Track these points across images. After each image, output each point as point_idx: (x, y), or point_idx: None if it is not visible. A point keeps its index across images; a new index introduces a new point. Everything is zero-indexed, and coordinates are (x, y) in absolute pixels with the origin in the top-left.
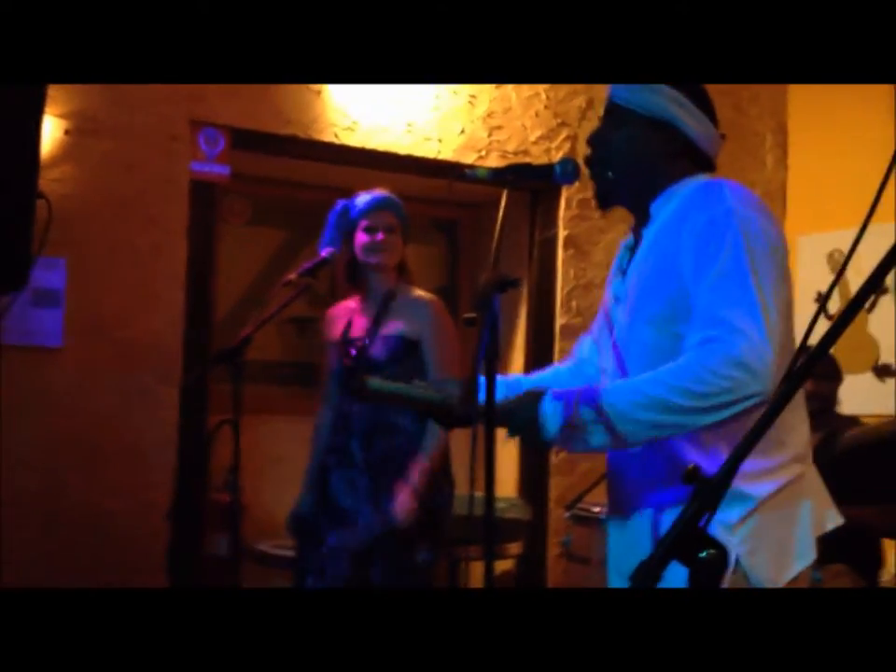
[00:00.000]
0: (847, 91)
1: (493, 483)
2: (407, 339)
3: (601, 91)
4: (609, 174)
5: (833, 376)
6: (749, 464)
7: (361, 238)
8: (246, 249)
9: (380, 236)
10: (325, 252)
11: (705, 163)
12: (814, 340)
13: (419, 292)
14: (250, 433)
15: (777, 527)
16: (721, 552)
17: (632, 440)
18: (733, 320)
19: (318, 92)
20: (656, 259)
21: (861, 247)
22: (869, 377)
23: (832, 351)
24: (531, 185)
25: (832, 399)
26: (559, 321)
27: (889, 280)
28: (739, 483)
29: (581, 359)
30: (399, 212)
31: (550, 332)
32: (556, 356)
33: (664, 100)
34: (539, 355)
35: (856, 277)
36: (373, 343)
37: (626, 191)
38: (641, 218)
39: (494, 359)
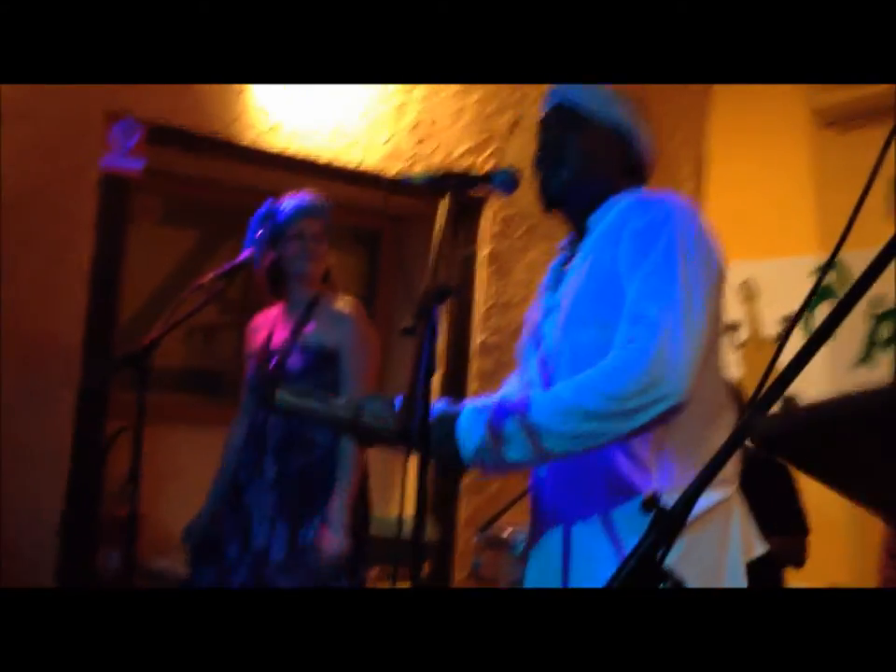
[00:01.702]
0: (764, 122)
1: (425, 505)
2: (326, 349)
3: (531, 108)
4: (563, 175)
5: (741, 408)
6: (674, 477)
7: (289, 245)
8: (156, 249)
9: (309, 244)
10: (243, 256)
11: (643, 176)
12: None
13: (342, 301)
14: (149, 443)
15: (708, 550)
16: (679, 583)
17: (555, 451)
18: (655, 317)
19: (240, 92)
20: (593, 265)
21: (774, 280)
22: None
23: (739, 379)
24: (465, 195)
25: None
26: (477, 339)
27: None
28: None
29: (522, 378)
30: (328, 218)
31: (467, 350)
32: (474, 373)
33: (626, 113)
34: (456, 372)
35: (769, 309)
36: (292, 353)
37: (577, 197)
38: (578, 231)
39: (432, 372)
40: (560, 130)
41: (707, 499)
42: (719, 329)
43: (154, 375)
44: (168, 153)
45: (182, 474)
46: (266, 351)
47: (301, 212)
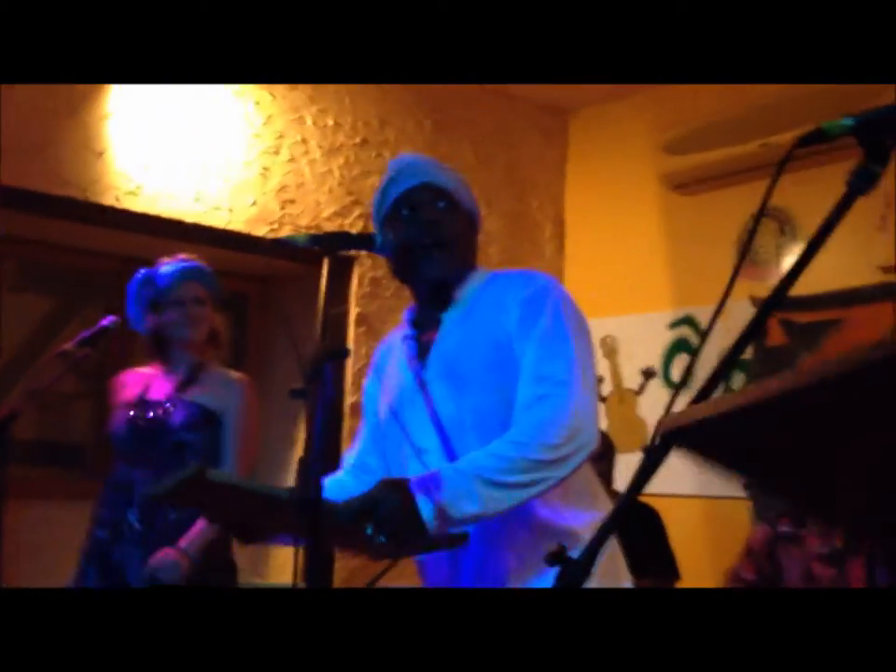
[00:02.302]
0: (616, 186)
1: (329, 573)
2: (209, 409)
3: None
4: (444, 255)
5: (608, 454)
6: (585, 513)
7: (169, 312)
8: (11, 316)
9: (189, 310)
10: (105, 321)
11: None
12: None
13: (231, 371)
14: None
15: (609, 560)
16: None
17: (502, 507)
18: (557, 375)
19: (100, 153)
20: (481, 334)
21: (632, 335)
22: (638, 457)
23: (604, 429)
24: (340, 257)
25: (609, 476)
26: (349, 399)
27: (656, 364)
28: (587, 533)
29: (360, 461)
30: (208, 281)
31: (339, 411)
32: (345, 434)
33: (469, 195)
34: (328, 434)
35: (626, 363)
36: (174, 407)
37: (451, 275)
38: (441, 302)
39: (325, 433)
40: (437, 209)
41: (591, 515)
42: (596, 384)
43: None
44: (23, 217)
45: (40, 553)
46: (141, 402)
47: (181, 276)
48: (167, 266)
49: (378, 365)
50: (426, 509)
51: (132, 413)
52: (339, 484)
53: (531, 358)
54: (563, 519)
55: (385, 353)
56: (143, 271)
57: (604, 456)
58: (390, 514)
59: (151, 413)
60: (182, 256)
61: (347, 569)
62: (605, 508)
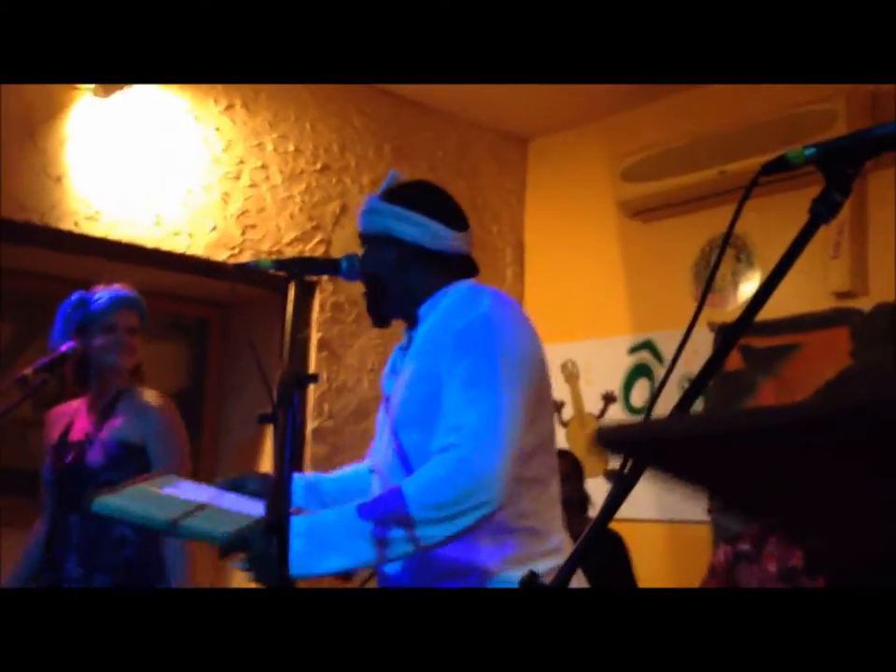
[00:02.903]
0: (575, 212)
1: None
2: (129, 443)
3: (355, 198)
4: (370, 294)
5: (573, 477)
6: (505, 551)
7: (99, 337)
8: None
9: (121, 337)
10: (65, 347)
11: (464, 267)
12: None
13: (148, 394)
14: None
15: None
16: None
17: (373, 560)
18: (471, 426)
19: (58, 179)
20: (419, 365)
21: (592, 359)
22: (601, 482)
23: (571, 451)
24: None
25: (575, 500)
26: (311, 425)
27: (617, 389)
28: (502, 570)
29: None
30: (142, 311)
31: (301, 436)
32: (308, 460)
33: (377, 217)
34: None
35: (587, 388)
36: (92, 447)
37: (389, 307)
38: (411, 322)
39: (294, 460)
40: (371, 258)
41: (507, 551)
42: (541, 417)
43: None
44: None
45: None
46: (64, 444)
47: (116, 303)
48: (102, 293)
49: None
50: (292, 556)
51: (54, 456)
52: (356, 476)
53: (450, 403)
54: (474, 556)
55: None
56: (77, 293)
57: (569, 479)
58: (254, 557)
59: (70, 457)
60: (117, 284)
61: None
62: (531, 541)
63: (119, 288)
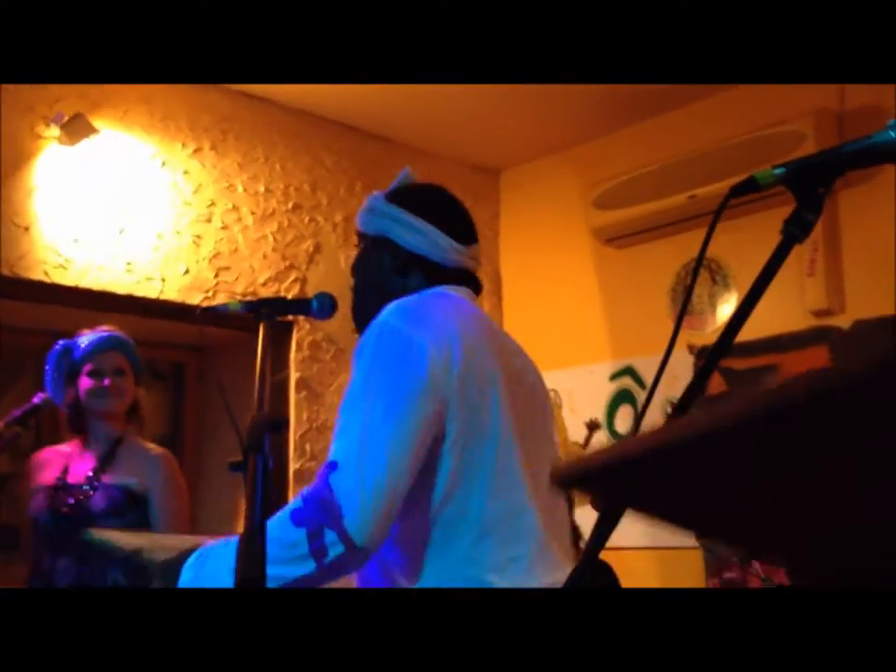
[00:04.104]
0: (549, 240)
1: None
2: (132, 491)
3: (328, 237)
4: (356, 296)
5: (568, 505)
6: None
7: (86, 382)
8: None
9: (107, 381)
10: (36, 399)
11: (448, 274)
12: None
13: (150, 444)
14: None
15: None
16: None
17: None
18: (334, 453)
19: (27, 228)
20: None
21: (574, 387)
22: (587, 509)
23: None
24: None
25: (573, 527)
26: (293, 466)
27: (600, 416)
28: None
29: None
30: (129, 352)
31: (283, 478)
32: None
33: (376, 217)
34: (273, 502)
35: (571, 416)
36: (95, 491)
37: (371, 313)
38: None
39: (267, 507)
40: (363, 260)
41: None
42: (483, 430)
43: None
44: None
45: None
46: (63, 487)
47: (99, 347)
48: (86, 336)
49: None
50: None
51: (52, 498)
52: None
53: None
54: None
55: None
56: (61, 342)
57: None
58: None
59: (72, 500)
60: (103, 327)
61: None
62: (443, 575)
63: (103, 331)
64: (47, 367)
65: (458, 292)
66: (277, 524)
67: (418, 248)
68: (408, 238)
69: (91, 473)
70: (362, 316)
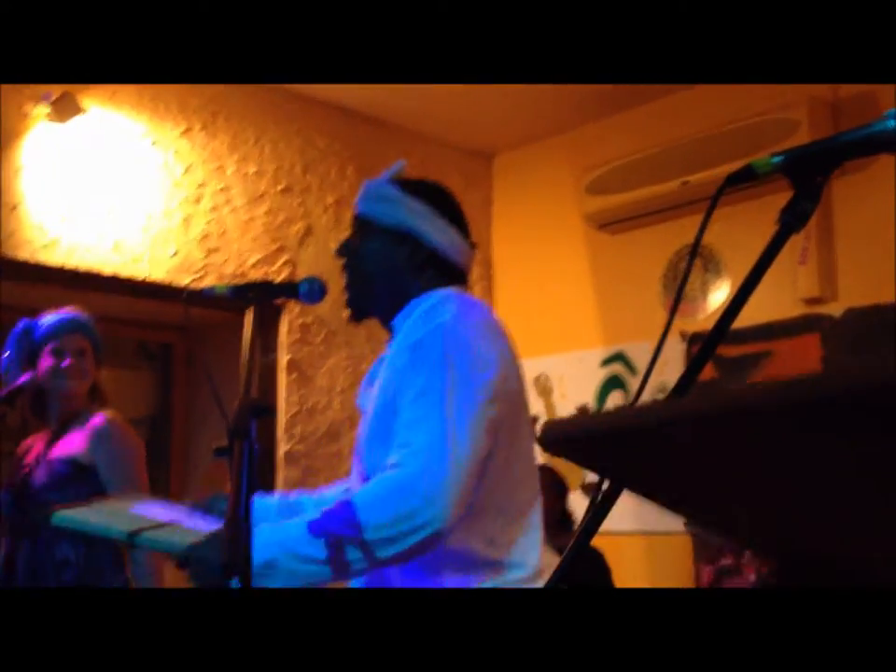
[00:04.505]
0: (541, 226)
1: None
2: (76, 462)
3: (319, 219)
4: (356, 285)
5: (560, 491)
6: (476, 583)
7: (46, 362)
8: None
9: (67, 361)
10: (22, 379)
11: (456, 275)
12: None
13: (100, 412)
14: None
15: None
16: None
17: (303, 582)
18: (417, 444)
19: (14, 208)
20: (386, 379)
21: (565, 372)
22: (578, 495)
23: (552, 466)
24: (269, 304)
25: (556, 515)
26: (282, 448)
27: (591, 401)
28: None
29: None
30: (90, 333)
31: (272, 460)
32: (280, 484)
33: (403, 211)
34: (262, 484)
35: (561, 401)
36: (38, 467)
37: (374, 304)
38: (390, 332)
39: (252, 493)
40: (351, 239)
41: (473, 581)
42: (522, 432)
43: None
44: None
45: None
46: (18, 469)
47: (60, 328)
48: (47, 318)
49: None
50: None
51: (8, 481)
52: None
53: (400, 422)
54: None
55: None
56: (23, 321)
57: (549, 495)
58: (198, 570)
59: (15, 479)
60: (66, 308)
61: None
62: (502, 573)
63: (65, 312)
64: (6, 345)
65: (465, 292)
66: (367, 504)
67: (440, 247)
68: (433, 236)
69: (40, 451)
70: (363, 306)
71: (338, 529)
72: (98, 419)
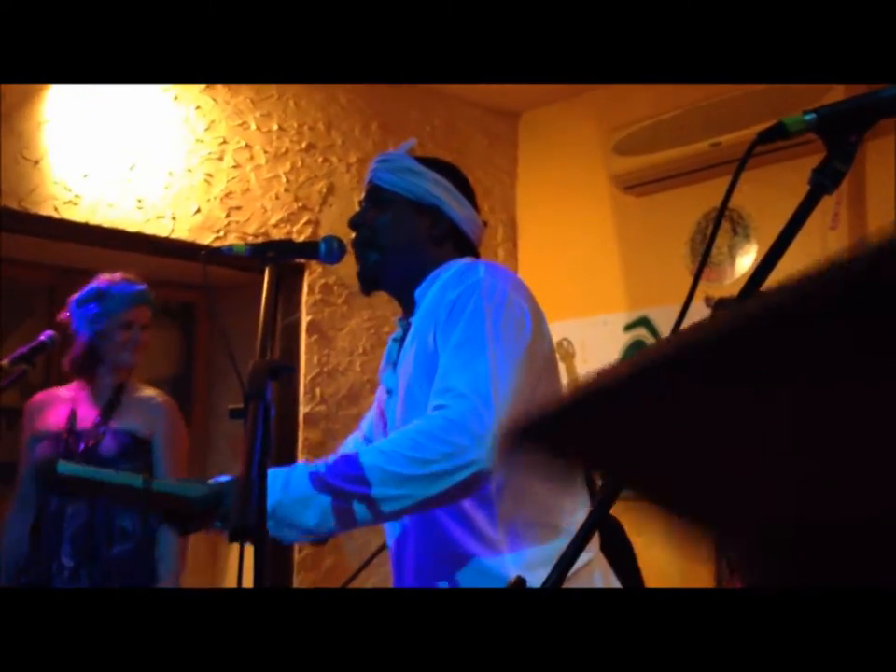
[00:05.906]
0: (566, 188)
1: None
2: (138, 437)
3: (343, 177)
4: (373, 256)
5: None
6: (526, 553)
7: (117, 332)
8: None
9: (138, 334)
10: (44, 336)
11: (469, 248)
12: None
13: (151, 390)
14: None
15: None
16: None
17: (349, 518)
18: (459, 387)
19: (36, 162)
20: (419, 345)
21: (587, 337)
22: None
23: None
24: (290, 264)
25: (589, 482)
26: (303, 409)
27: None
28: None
29: (367, 434)
30: (153, 305)
31: (293, 421)
32: (300, 445)
33: (428, 184)
34: (282, 445)
35: (583, 366)
36: (105, 436)
37: (390, 276)
38: (408, 307)
39: (268, 455)
40: (367, 210)
41: (539, 550)
42: (537, 383)
43: None
44: None
45: None
46: (71, 433)
47: (132, 300)
48: (119, 286)
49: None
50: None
51: (62, 444)
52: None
53: (441, 370)
54: (491, 553)
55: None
56: (94, 285)
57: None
58: (228, 513)
59: (83, 445)
60: (123, 275)
61: (307, 583)
62: (556, 538)
63: (130, 282)
64: (70, 308)
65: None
66: (409, 441)
67: (462, 222)
68: (457, 211)
69: (98, 419)
70: (378, 277)
71: (343, 481)
72: (154, 398)
